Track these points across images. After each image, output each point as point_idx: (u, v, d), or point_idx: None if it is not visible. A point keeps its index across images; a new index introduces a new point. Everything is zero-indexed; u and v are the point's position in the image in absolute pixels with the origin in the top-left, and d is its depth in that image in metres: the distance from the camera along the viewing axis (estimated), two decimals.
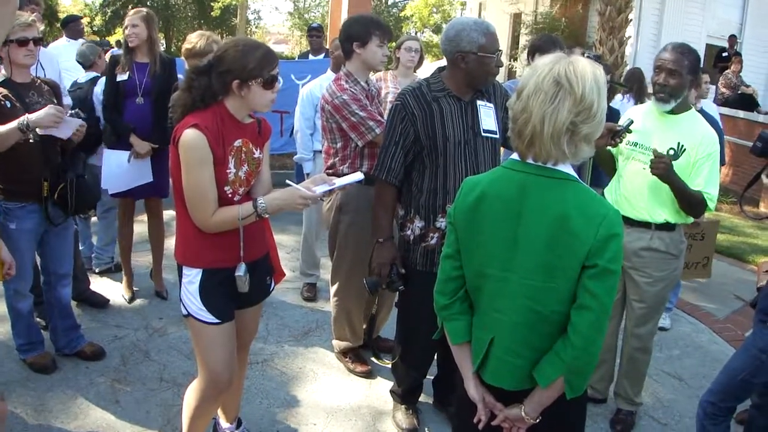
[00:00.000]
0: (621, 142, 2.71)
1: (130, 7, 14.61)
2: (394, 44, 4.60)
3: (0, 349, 3.30)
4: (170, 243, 2.95)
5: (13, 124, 2.65)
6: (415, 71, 4.61)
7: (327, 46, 7.07)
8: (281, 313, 4.01)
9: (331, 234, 3.20)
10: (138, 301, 4.02)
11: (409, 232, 2.63)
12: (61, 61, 4.21)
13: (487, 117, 2.59)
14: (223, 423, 2.63)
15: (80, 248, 4.01)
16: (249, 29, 27.33)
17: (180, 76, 3.66)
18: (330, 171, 3.04)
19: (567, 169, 1.56)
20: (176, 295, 2.50)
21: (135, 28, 3.63)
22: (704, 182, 2.68)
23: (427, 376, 2.96)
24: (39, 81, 3.02)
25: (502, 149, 2.89)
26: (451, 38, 2.48)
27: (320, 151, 3.54)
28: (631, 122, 2.66)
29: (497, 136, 2.62)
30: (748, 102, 10.27)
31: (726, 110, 9.09)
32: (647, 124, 2.79)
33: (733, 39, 11.66)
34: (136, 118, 3.67)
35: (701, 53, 5.52)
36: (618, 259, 1.50)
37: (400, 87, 3.97)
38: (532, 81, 1.52)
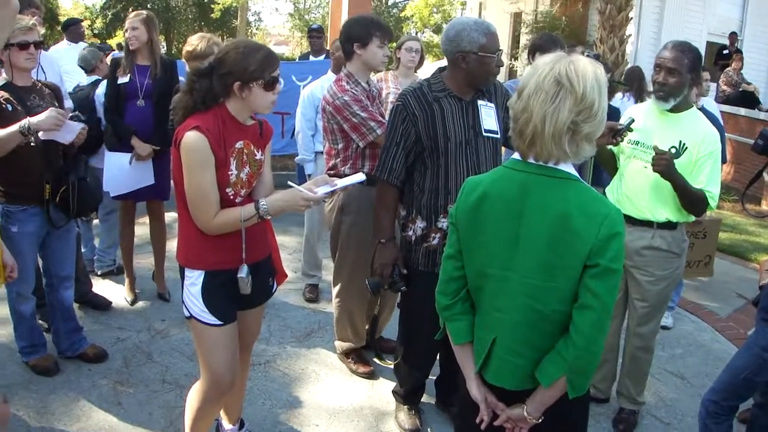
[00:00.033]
0: (622, 140, 2.70)
1: (130, 9, 14.62)
2: (394, 45, 4.60)
3: (2, 351, 3.30)
4: (172, 245, 2.94)
5: (15, 127, 2.65)
6: (415, 71, 4.61)
7: (327, 47, 7.07)
8: (283, 314, 4.01)
9: (332, 235, 3.20)
10: (140, 303, 4.03)
11: (410, 233, 2.63)
12: (62, 64, 4.23)
13: (488, 117, 2.59)
14: (226, 424, 2.63)
15: (82, 251, 4.02)
16: (249, 31, 27.34)
17: (181, 78, 3.66)
18: (331, 172, 3.03)
19: (568, 168, 1.56)
20: (178, 297, 2.51)
21: (135, 30, 3.63)
22: (706, 180, 2.68)
23: (430, 377, 2.96)
24: (40, 84, 3.03)
25: (503, 149, 2.88)
26: (452, 38, 2.47)
27: (321, 152, 3.55)
28: (632, 121, 2.66)
29: (498, 135, 2.62)
30: (749, 99, 10.27)
31: (727, 108, 9.08)
32: (648, 123, 2.78)
33: (733, 36, 11.64)
34: (138, 120, 3.67)
35: (702, 51, 5.52)
36: (620, 258, 1.50)
37: (400, 87, 3.97)
38: (532, 80, 1.52)
